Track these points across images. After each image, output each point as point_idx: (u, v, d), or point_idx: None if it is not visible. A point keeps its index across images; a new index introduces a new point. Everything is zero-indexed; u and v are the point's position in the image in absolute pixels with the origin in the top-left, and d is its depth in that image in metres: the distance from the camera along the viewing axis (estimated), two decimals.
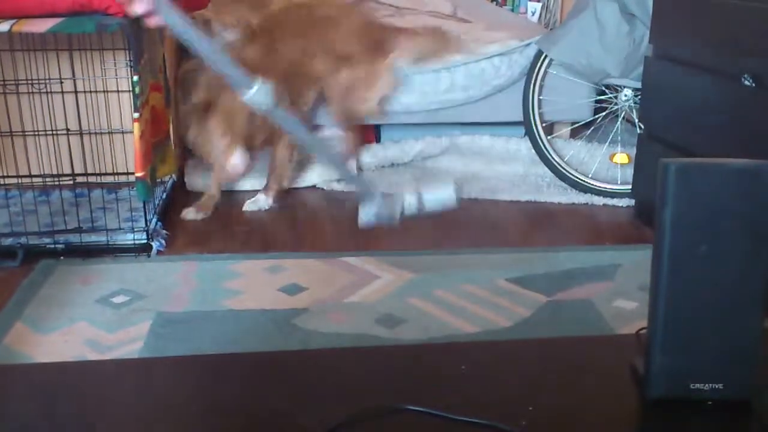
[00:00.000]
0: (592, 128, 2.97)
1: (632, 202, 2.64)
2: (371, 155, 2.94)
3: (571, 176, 2.77)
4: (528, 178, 2.87)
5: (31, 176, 2.47)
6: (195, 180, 2.75)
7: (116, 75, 2.39)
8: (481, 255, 2.21)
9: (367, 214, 1.57)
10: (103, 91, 2.48)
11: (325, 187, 2.77)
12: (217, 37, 2.78)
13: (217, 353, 1.59)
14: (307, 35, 2.54)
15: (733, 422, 1.02)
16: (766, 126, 1.89)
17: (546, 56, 2.73)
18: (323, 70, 2.56)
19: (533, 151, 2.84)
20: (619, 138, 2.84)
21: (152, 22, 1.28)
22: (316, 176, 2.80)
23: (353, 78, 2.57)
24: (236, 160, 2.44)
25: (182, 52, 3.08)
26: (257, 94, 1.36)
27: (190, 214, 2.49)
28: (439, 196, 1.65)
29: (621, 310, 1.88)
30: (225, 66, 1.39)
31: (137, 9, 1.25)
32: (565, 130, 3.09)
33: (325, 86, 2.60)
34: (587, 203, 2.68)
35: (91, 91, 2.48)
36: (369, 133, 3.08)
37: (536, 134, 2.80)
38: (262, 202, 2.59)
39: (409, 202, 1.62)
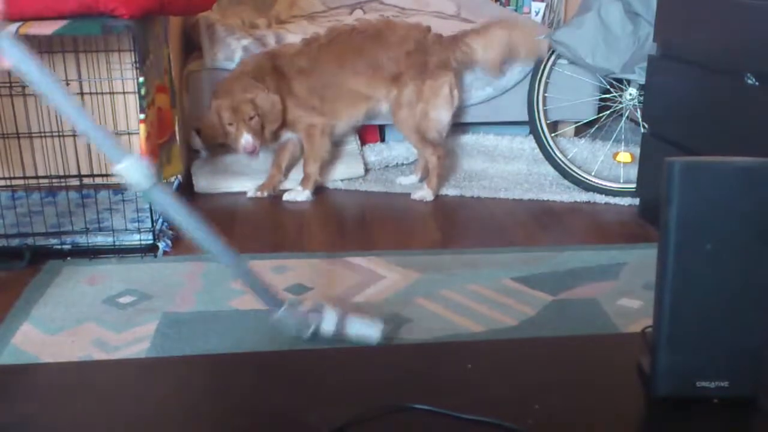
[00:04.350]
0: (596, 127, 2.98)
1: (635, 200, 2.64)
2: (376, 154, 2.95)
3: (574, 174, 2.77)
4: (531, 177, 2.88)
5: (37, 177, 2.47)
6: (201, 180, 2.77)
7: (122, 76, 2.39)
8: (486, 254, 2.21)
9: (277, 318, 1.55)
10: (109, 93, 2.49)
11: (330, 186, 2.78)
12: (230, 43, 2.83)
13: (224, 353, 1.59)
14: (360, 54, 2.63)
15: (739, 420, 1.02)
16: None
17: (551, 53, 2.73)
18: (370, 89, 2.66)
19: (537, 149, 2.85)
20: (623, 137, 2.84)
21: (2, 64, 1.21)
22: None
23: (410, 97, 2.63)
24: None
25: (187, 53, 3.10)
26: (127, 169, 1.31)
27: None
28: (363, 329, 1.63)
29: (626, 309, 1.88)
30: (83, 123, 1.31)
31: None
32: (569, 129, 3.10)
33: (378, 104, 2.71)
34: (590, 201, 2.68)
35: (97, 93, 2.49)
36: (373, 133, 3.09)
37: (540, 132, 2.80)
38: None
39: (329, 322, 1.60)
